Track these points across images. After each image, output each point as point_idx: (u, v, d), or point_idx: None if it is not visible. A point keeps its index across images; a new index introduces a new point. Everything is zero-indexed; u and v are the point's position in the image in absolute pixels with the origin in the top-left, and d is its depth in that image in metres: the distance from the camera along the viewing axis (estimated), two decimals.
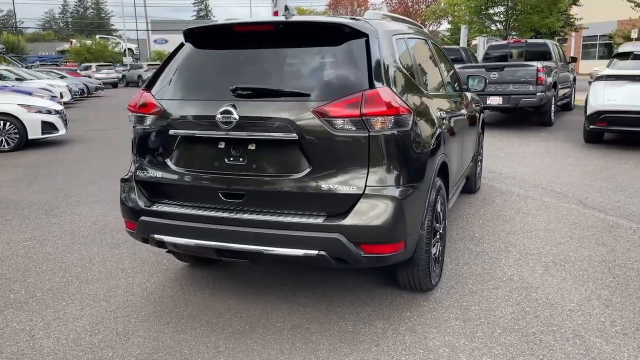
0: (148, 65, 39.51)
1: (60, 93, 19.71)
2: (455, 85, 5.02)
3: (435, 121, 3.58)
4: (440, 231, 3.67)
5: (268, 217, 2.97)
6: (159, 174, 3.26)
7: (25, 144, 10.34)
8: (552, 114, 11.75)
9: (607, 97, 8.57)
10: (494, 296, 3.56)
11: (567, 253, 4.30)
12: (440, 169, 3.55)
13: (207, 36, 3.42)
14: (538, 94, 10.79)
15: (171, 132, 3.16)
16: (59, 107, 11.32)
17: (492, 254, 4.30)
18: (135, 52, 60.37)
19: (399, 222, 2.90)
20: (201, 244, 3.09)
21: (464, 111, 4.79)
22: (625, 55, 9.14)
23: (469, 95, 5.42)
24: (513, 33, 20.47)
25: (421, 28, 4.81)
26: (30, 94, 12.04)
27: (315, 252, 2.88)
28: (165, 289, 3.84)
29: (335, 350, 2.97)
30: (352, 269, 3.82)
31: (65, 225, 5.38)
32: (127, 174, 3.48)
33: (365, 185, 2.87)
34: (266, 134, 2.94)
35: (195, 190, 3.16)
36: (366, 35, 3.09)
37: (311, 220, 2.90)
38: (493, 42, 16.25)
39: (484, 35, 20.37)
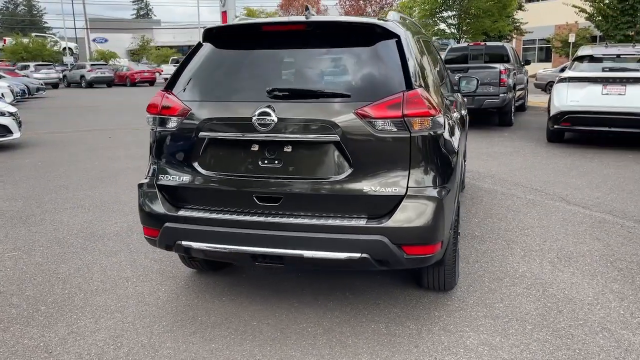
0: (92, 65, 38.05)
1: (2, 94, 18.67)
2: (454, 87, 5.10)
3: (454, 121, 3.62)
4: (459, 230, 3.71)
5: (308, 221, 2.90)
6: (185, 178, 3.13)
7: None
8: (513, 115, 12.16)
9: (571, 98, 8.95)
10: (514, 293, 3.64)
11: (568, 249, 4.45)
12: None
13: (231, 36, 3.32)
14: (501, 95, 11.14)
15: (201, 134, 3.04)
16: (13, 109, 10.72)
17: (497, 252, 4.40)
18: (75, 51, 58.01)
19: (439, 223, 2.91)
20: (235, 249, 2.99)
21: (462, 111, 4.88)
22: (585, 58, 9.57)
23: (459, 96, 5.53)
24: (465, 36, 21.14)
25: (420, 28, 4.87)
26: None
27: (358, 254, 2.84)
28: (180, 297, 3.70)
29: (376, 353, 2.95)
30: (365, 271, 3.83)
31: (48, 234, 5.09)
32: (146, 179, 3.32)
33: (407, 187, 2.87)
34: (307, 135, 2.88)
35: (227, 195, 3.05)
36: (397, 36, 3.08)
37: (354, 223, 2.86)
38: (453, 44, 16.66)
39: (438, 38, 20.87)
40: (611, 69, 9.06)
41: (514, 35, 25.44)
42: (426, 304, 3.51)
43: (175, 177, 3.16)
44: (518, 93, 13.67)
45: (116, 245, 4.74)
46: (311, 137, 2.88)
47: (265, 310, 3.47)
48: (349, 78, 3.01)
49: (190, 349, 3.03)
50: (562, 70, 21.15)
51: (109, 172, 7.96)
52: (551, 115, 9.32)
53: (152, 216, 3.21)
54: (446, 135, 3.14)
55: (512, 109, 12.11)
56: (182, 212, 3.13)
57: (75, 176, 7.72)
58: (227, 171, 3.05)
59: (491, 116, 12.28)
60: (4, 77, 25.47)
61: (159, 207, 3.18)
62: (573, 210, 5.57)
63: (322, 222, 2.89)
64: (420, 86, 3.00)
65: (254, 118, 2.90)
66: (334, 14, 41.51)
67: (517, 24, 23.20)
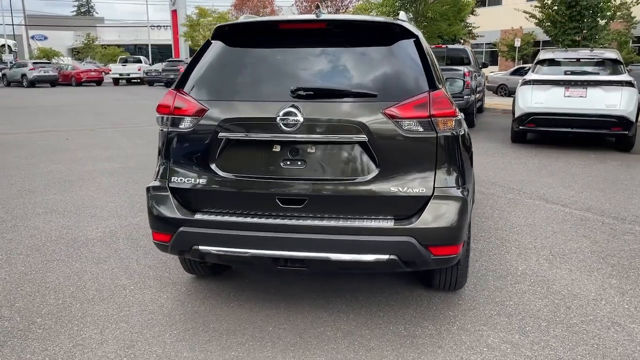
0: (34, 63, 36.38)
1: None
2: None
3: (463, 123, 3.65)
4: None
5: (334, 223, 2.85)
6: (202, 180, 3.01)
7: None
8: (475, 116, 12.48)
9: (535, 100, 9.25)
10: (520, 291, 3.70)
11: (559, 246, 4.58)
12: None
13: (245, 34, 3.21)
14: (465, 96, 11.40)
15: (220, 135, 2.93)
16: None
17: (494, 251, 4.47)
18: (13, 48, 55.37)
19: (464, 223, 2.92)
20: (258, 253, 2.90)
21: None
22: (546, 62, 9.92)
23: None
24: None
25: None
26: None
27: (387, 256, 2.81)
28: (185, 304, 3.56)
29: (402, 355, 2.92)
30: (374, 272, 3.82)
31: (25, 241, 4.80)
32: (156, 182, 3.17)
33: (434, 187, 2.86)
34: (334, 135, 2.82)
35: (247, 197, 2.95)
36: (416, 36, 3.08)
37: (382, 224, 2.83)
38: None
39: None
40: (572, 72, 9.43)
41: (466, 39, 26.14)
42: (438, 303, 3.52)
43: (191, 180, 3.03)
44: (478, 95, 14.04)
45: (103, 251, 4.52)
46: (338, 137, 2.83)
47: (278, 315, 3.38)
48: (373, 78, 2.97)
49: (209, 358, 2.91)
50: (515, 72, 21.95)
51: (75, 175, 7.61)
52: (516, 116, 9.60)
53: (164, 220, 3.07)
54: (465, 135, 3.16)
55: (475, 111, 12.42)
56: (198, 216, 3.00)
57: (40, 179, 7.34)
58: (247, 173, 2.96)
59: None
60: None
61: (172, 211, 3.04)
62: (554, 208, 5.74)
63: (348, 224, 2.84)
64: (442, 87, 3.01)
65: (279, 118, 2.82)
66: (288, 15, 41.41)
67: (470, 28, 23.87)
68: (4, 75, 37.22)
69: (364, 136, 2.81)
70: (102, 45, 57.58)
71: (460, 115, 3.15)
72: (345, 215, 2.89)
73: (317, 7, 3.42)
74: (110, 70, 38.80)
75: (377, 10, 21.41)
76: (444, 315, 3.37)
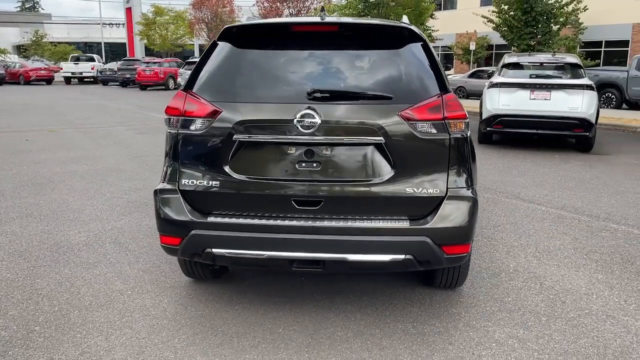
0: None
1: None
2: None
3: None
4: None
5: (351, 224, 2.88)
6: (214, 182, 2.97)
7: None
8: None
9: (502, 102, 9.55)
10: (516, 287, 3.83)
11: (543, 243, 4.76)
12: None
13: (254, 36, 3.20)
14: None
15: (235, 136, 2.90)
16: None
17: (483, 249, 4.60)
18: None
19: (474, 222, 3.00)
20: (274, 255, 2.89)
21: None
22: (512, 66, 10.24)
23: None
24: None
25: None
26: None
27: (402, 256, 2.87)
28: (188, 308, 3.50)
29: (416, 353, 2.98)
30: (372, 273, 3.88)
31: (5, 247, 4.61)
32: (164, 184, 3.11)
33: (447, 187, 2.93)
34: (352, 137, 2.85)
35: (262, 199, 2.94)
36: (424, 40, 3.15)
37: (398, 225, 2.87)
38: None
39: None
40: (537, 76, 9.79)
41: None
42: (440, 301, 3.60)
43: (203, 182, 3.00)
44: None
45: (91, 256, 4.40)
46: (356, 139, 2.86)
47: (285, 316, 3.38)
48: (386, 80, 3.01)
49: None
50: (472, 75, 22.53)
51: (44, 178, 7.35)
52: (484, 118, 9.88)
53: (174, 224, 3.02)
54: (470, 137, 3.25)
55: None
56: (211, 219, 2.97)
57: (6, 183, 7.04)
58: (262, 175, 2.95)
59: None
60: None
61: (183, 214, 3.00)
62: (531, 207, 5.95)
63: (365, 224, 2.88)
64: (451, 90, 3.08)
65: (296, 120, 2.83)
66: (248, 15, 41.10)
67: (430, 32, 24.38)
68: None
69: (381, 138, 2.85)
70: (52, 42, 55.54)
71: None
72: (361, 216, 2.92)
73: (322, 10, 3.44)
74: (62, 69, 37.50)
75: (340, 13, 21.58)
76: (449, 312, 3.45)
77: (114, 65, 35.97)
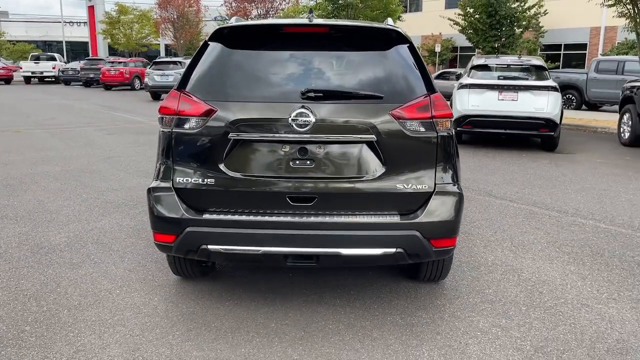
0: None
1: None
2: None
3: None
4: None
5: (344, 219, 2.97)
6: (209, 180, 3.02)
7: None
8: None
9: (472, 102, 9.82)
10: (495, 279, 3.99)
11: (518, 238, 4.96)
12: None
13: (246, 36, 3.26)
14: None
15: (230, 135, 2.96)
16: None
17: (461, 243, 4.76)
18: None
19: (460, 217, 3.14)
20: (270, 250, 2.97)
21: None
22: (480, 67, 10.54)
23: None
24: None
25: None
26: None
27: (394, 250, 2.98)
28: (179, 305, 3.54)
29: (405, 342, 3.10)
30: (356, 267, 3.99)
31: None
32: (159, 182, 3.14)
33: (435, 184, 3.06)
34: (345, 135, 2.94)
35: (257, 196, 3.01)
36: (410, 42, 3.27)
37: (389, 220, 2.99)
38: None
39: None
40: (505, 77, 10.10)
41: None
42: (425, 294, 3.73)
43: (198, 180, 3.04)
44: None
45: (74, 256, 4.37)
46: (349, 137, 2.95)
47: (277, 311, 3.45)
48: (376, 80, 3.12)
49: (220, 356, 2.94)
50: (439, 76, 22.95)
51: (15, 179, 7.20)
52: (454, 118, 10.11)
53: (169, 221, 3.06)
54: (454, 136, 3.39)
55: None
56: (207, 216, 3.02)
57: None
58: (257, 172, 3.01)
59: None
60: None
61: (177, 211, 3.04)
62: (504, 204, 6.17)
63: (358, 219, 2.98)
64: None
65: (291, 119, 2.91)
66: (214, 15, 40.83)
67: None
68: None
69: (373, 136, 2.95)
70: (10, 41, 53.86)
71: None
72: (353, 212, 3.02)
73: (310, 11, 3.53)
74: (22, 68, 36.44)
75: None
76: (434, 304, 3.58)
77: (76, 64, 35.15)
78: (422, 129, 3.02)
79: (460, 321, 3.35)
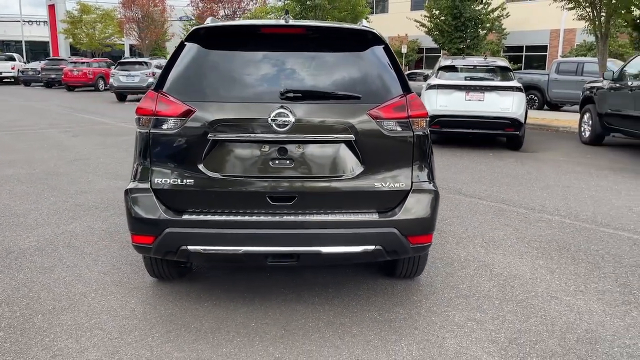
0: None
1: None
2: None
3: None
4: None
5: (324, 217, 3.01)
6: (188, 181, 3.02)
7: None
8: None
9: (440, 103, 10.00)
10: (468, 275, 4.10)
11: (489, 234, 5.09)
12: None
13: (223, 37, 3.26)
14: None
15: (210, 135, 2.96)
16: None
17: (434, 240, 4.68)
18: None
19: (436, 213, 3.22)
20: (250, 250, 2.98)
21: None
22: (448, 68, 10.74)
23: None
24: None
25: None
26: None
27: (373, 247, 3.03)
28: (157, 307, 3.51)
29: (384, 338, 3.15)
30: (333, 265, 4.04)
31: None
32: (136, 184, 3.12)
33: (412, 182, 3.13)
34: (324, 135, 2.98)
35: (237, 196, 3.02)
36: (385, 43, 3.33)
37: (368, 217, 3.04)
38: None
39: None
40: (472, 78, 10.31)
41: None
42: (401, 290, 3.80)
43: (177, 180, 3.03)
44: None
45: (46, 260, 4.28)
46: (328, 137, 2.99)
47: (256, 311, 3.47)
48: (353, 81, 3.17)
49: (202, 357, 2.94)
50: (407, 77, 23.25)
51: None
52: None
53: (147, 222, 3.04)
54: (430, 135, 3.47)
55: None
56: (186, 216, 3.01)
57: None
58: (237, 172, 3.02)
59: None
60: None
61: (156, 212, 3.02)
62: (473, 201, 6.32)
63: (337, 218, 3.02)
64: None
65: (270, 119, 2.93)
66: (180, 15, 40.34)
67: None
68: None
69: (351, 135, 3.00)
70: None
71: None
72: (333, 210, 3.07)
73: (286, 12, 3.56)
74: None
75: (277, 14, 21.69)
76: (411, 300, 3.65)
77: (37, 64, 34.20)
78: (399, 129, 3.08)
79: (437, 316, 3.43)
